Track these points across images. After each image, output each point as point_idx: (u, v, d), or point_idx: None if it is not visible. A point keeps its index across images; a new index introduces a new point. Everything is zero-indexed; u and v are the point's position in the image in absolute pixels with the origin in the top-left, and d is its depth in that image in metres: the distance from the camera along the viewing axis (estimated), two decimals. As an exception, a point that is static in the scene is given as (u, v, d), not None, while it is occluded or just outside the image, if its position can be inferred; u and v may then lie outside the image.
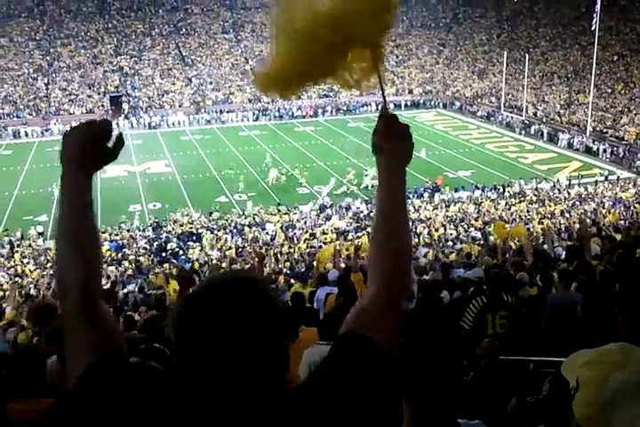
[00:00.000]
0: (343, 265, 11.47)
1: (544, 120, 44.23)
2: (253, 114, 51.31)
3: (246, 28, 63.22)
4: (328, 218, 26.20)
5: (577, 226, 16.22)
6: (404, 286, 1.55)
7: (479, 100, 52.93)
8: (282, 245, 21.51)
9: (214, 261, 19.38)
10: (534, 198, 27.75)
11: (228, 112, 51.20)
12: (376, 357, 1.27)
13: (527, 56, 47.69)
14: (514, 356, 4.91)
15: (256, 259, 9.71)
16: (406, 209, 1.56)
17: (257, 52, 60.19)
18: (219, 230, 24.85)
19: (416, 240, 18.96)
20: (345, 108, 53.47)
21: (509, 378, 4.41)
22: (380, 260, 1.49)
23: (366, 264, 11.34)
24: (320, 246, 19.31)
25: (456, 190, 30.30)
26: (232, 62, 58.61)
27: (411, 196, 29.56)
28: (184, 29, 61.46)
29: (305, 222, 25.88)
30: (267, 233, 24.11)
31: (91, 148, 1.40)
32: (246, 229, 24.71)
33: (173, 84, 54.36)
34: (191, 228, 25.42)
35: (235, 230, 24.75)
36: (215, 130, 47.38)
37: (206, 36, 61.20)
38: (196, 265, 18.88)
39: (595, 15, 40.77)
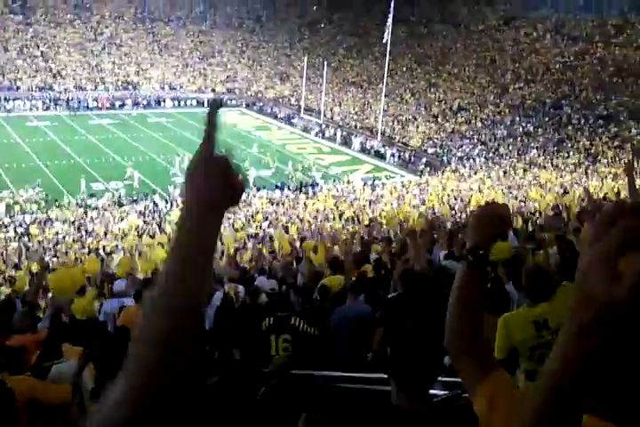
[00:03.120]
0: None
1: (340, 124, 46.46)
2: (43, 103, 47.68)
3: (37, 10, 58.63)
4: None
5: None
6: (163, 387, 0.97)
7: (281, 101, 54.18)
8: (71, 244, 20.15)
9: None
10: (331, 198, 28.89)
11: (13, 100, 47.01)
12: None
13: (325, 62, 49.75)
14: (302, 371, 4.97)
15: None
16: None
17: (49, 37, 56.08)
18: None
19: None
20: (145, 103, 51.76)
21: (299, 393, 4.47)
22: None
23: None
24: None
25: (258, 189, 30.71)
26: (20, 46, 53.97)
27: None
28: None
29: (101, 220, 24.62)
30: (57, 233, 22.50)
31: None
32: (32, 227, 22.88)
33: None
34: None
35: (20, 228, 22.80)
36: (-2, 119, 43.37)
37: (-11, 16, 55.76)
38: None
39: (387, 28, 43.66)
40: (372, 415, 2.17)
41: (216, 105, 1.06)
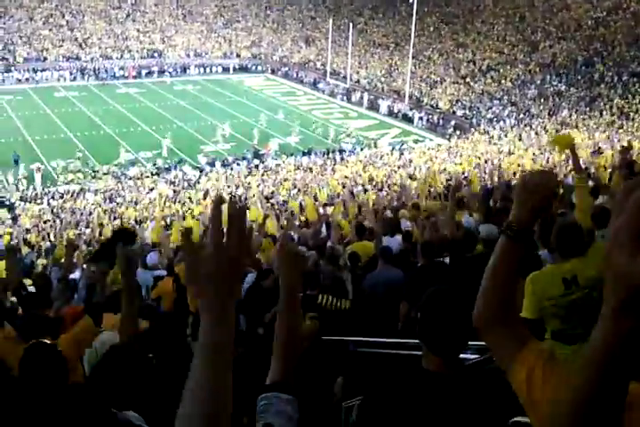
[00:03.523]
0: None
1: (366, 88, 45.85)
2: (71, 73, 47.90)
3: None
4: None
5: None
6: None
7: (306, 65, 53.55)
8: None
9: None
10: (360, 163, 28.71)
11: (41, 70, 47.31)
12: None
13: (351, 24, 48.85)
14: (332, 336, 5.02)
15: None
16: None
17: (73, 5, 55.96)
18: (31, 201, 23.16)
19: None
20: (171, 70, 51.65)
21: (330, 359, 4.50)
22: None
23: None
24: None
25: (287, 157, 30.76)
26: (45, 15, 54.00)
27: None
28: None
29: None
30: (90, 203, 22.84)
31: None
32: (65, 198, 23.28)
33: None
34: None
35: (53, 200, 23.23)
36: (27, 90, 43.71)
37: (14, -14, 55.65)
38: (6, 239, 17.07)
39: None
40: (403, 379, 2.22)
41: (220, 202, 1.07)
